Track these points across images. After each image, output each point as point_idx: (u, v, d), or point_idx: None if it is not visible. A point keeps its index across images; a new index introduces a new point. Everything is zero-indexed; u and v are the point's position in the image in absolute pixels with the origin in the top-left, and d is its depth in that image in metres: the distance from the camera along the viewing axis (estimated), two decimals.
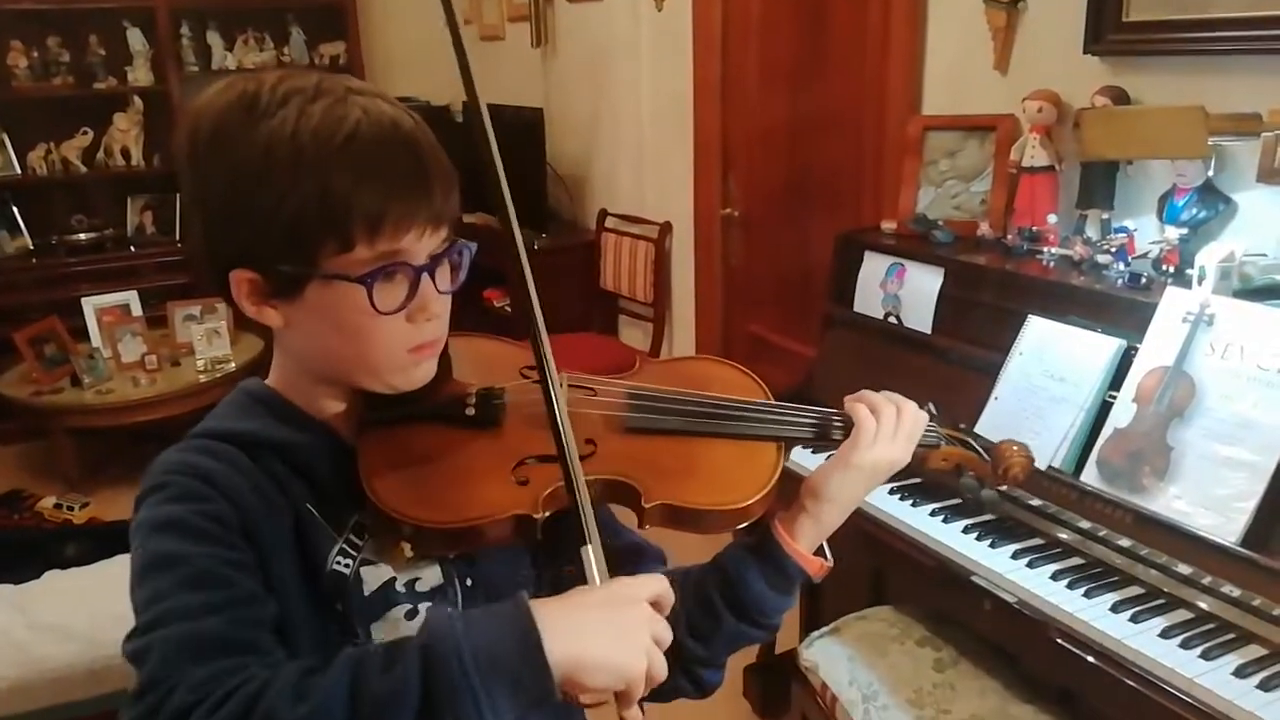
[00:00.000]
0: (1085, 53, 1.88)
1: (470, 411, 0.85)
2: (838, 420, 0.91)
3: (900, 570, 1.79)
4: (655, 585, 0.72)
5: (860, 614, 1.86)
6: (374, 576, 0.83)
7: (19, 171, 4.34)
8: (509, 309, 3.88)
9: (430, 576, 0.86)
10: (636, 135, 3.63)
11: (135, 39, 4.43)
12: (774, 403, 0.91)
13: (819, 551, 0.92)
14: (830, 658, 1.76)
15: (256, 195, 0.74)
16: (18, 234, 4.40)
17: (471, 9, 4.77)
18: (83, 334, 3.83)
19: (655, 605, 0.71)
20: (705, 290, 3.36)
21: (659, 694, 0.94)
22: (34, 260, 4.35)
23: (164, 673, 0.65)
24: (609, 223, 3.82)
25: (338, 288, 0.76)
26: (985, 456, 0.95)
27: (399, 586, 0.84)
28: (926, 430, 0.93)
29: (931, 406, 0.96)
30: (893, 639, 1.77)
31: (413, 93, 5.07)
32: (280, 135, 0.73)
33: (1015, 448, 0.95)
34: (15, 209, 4.37)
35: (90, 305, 3.92)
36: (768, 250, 3.10)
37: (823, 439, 0.92)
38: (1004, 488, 0.99)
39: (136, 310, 3.98)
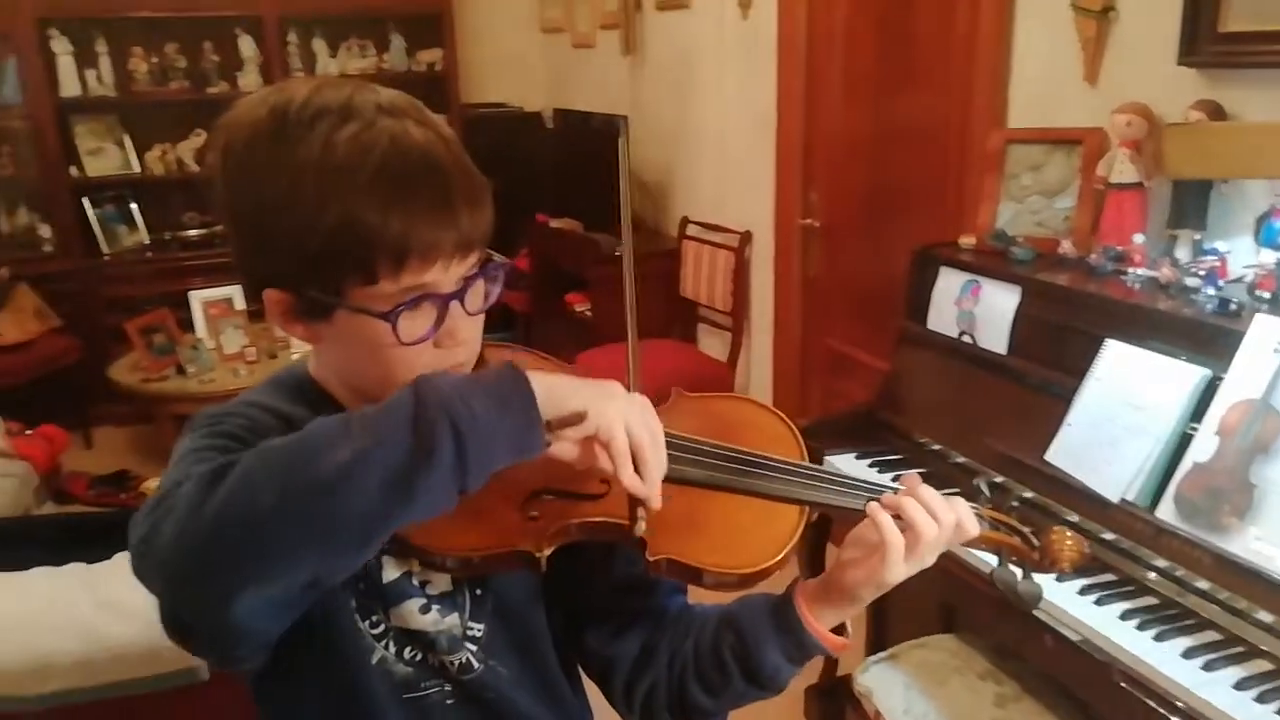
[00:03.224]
0: (1179, 64, 1.79)
1: None
2: (878, 499, 0.84)
3: (966, 600, 1.73)
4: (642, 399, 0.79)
5: (921, 641, 1.81)
6: (393, 567, 0.85)
7: (138, 170, 4.60)
8: (590, 314, 3.91)
9: (440, 582, 0.87)
10: (719, 143, 3.62)
11: (246, 46, 4.64)
12: (807, 465, 0.86)
13: (839, 627, 0.88)
14: (886, 684, 1.72)
15: (283, 223, 0.74)
16: (135, 229, 4.66)
17: (564, 17, 4.84)
18: (189, 325, 4.03)
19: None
20: (784, 301, 3.32)
21: None
22: (149, 254, 4.59)
23: (177, 474, 0.70)
24: (690, 230, 3.81)
25: (364, 319, 0.76)
26: (1034, 542, 0.87)
27: (415, 581, 0.86)
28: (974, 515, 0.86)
29: (984, 484, 0.90)
30: (954, 669, 1.71)
31: (504, 98, 5.19)
32: (307, 165, 0.73)
33: (1069, 539, 0.85)
34: (134, 205, 4.63)
35: (197, 299, 4.11)
36: (847, 262, 3.04)
37: (850, 518, 0.85)
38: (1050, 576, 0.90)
39: (240, 304, 4.16)
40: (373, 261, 0.74)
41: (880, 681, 1.73)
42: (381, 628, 0.86)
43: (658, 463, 0.75)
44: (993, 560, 0.90)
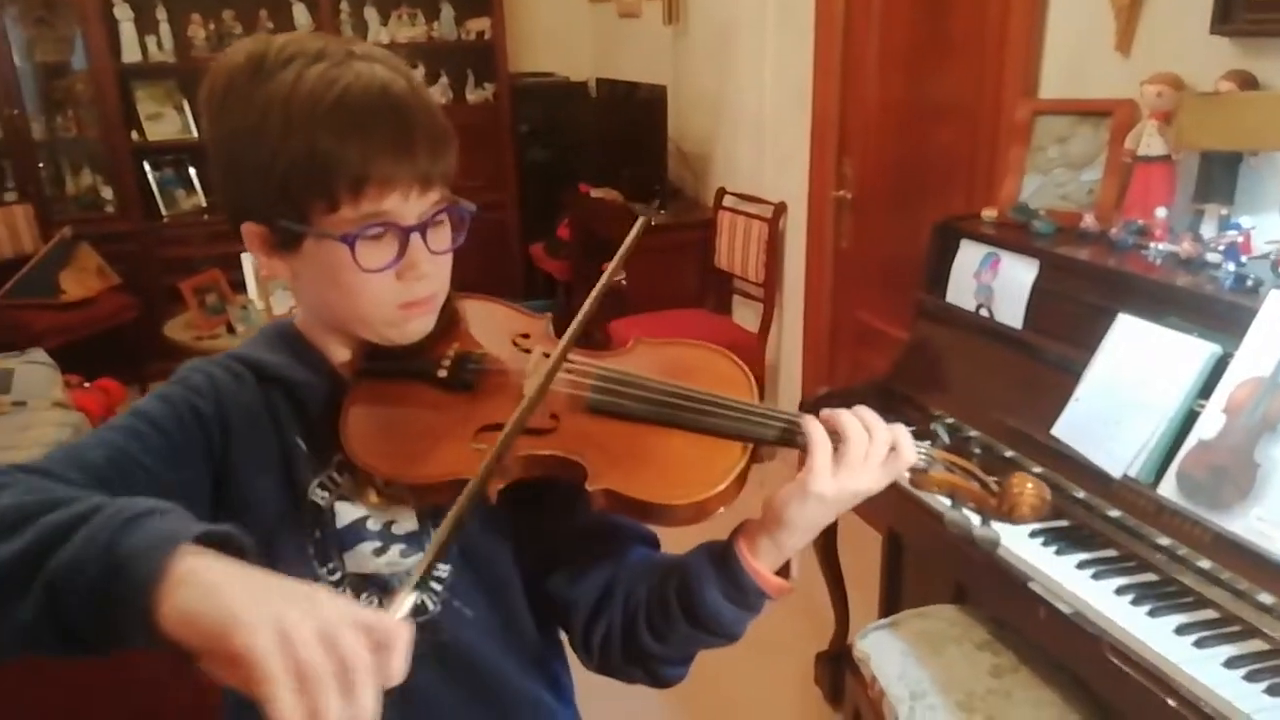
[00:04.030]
0: (1213, 33, 1.74)
1: (442, 374, 0.88)
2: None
3: (971, 574, 1.73)
4: (375, 617, 0.57)
5: (921, 610, 1.82)
6: (347, 512, 0.89)
7: (196, 135, 4.73)
8: (624, 282, 3.93)
9: (407, 522, 0.90)
10: (757, 114, 3.60)
11: (300, 14, 4.72)
12: (748, 403, 0.86)
13: (784, 569, 0.87)
14: (883, 651, 1.73)
15: (254, 153, 0.79)
16: (193, 193, 4.80)
17: None
18: (241, 286, 4.15)
19: (368, 632, 0.56)
20: (815, 273, 3.30)
21: (618, 677, 0.96)
22: (205, 217, 4.72)
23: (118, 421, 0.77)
24: (727, 201, 3.80)
25: (328, 244, 0.81)
26: (992, 488, 0.85)
27: (370, 525, 0.89)
28: (919, 452, 0.85)
29: (940, 428, 0.90)
30: (951, 639, 1.72)
31: (552, 68, 5.20)
32: (276, 97, 0.78)
33: (1029, 485, 0.83)
34: (192, 170, 4.77)
35: (249, 260, 4.22)
36: (878, 235, 3.02)
37: (792, 446, 0.85)
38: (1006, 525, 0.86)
39: None
40: (334, 186, 0.78)
41: (878, 647, 1.74)
42: (338, 575, 0.88)
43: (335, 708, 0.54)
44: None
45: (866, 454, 0.81)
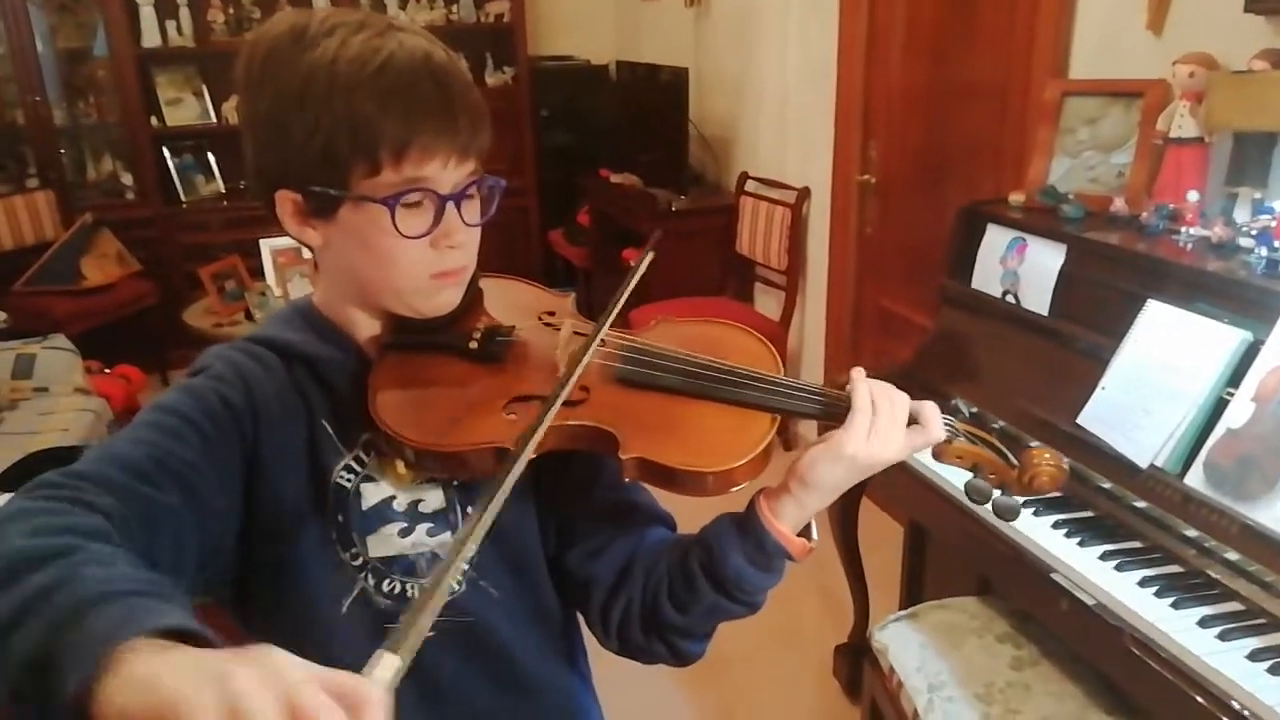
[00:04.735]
0: (1246, 11, 1.69)
1: (473, 345, 0.88)
2: (842, 404, 0.87)
3: (994, 565, 1.70)
4: (344, 679, 0.50)
5: (943, 602, 1.79)
6: (373, 493, 0.88)
7: (215, 121, 4.74)
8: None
9: (433, 500, 0.90)
10: (780, 98, 3.55)
11: None
12: (774, 376, 0.88)
13: (805, 531, 0.89)
14: (902, 642, 1.71)
15: (296, 118, 0.79)
16: (211, 179, 4.82)
17: None
18: (259, 273, 4.16)
19: (344, 706, 0.49)
20: (838, 260, 3.26)
21: (638, 655, 0.95)
22: (224, 203, 4.74)
23: (80, 461, 0.74)
24: (749, 186, 3.76)
25: (367, 209, 0.81)
26: (1012, 460, 0.88)
27: (397, 505, 0.89)
28: (944, 423, 0.87)
29: (960, 402, 0.91)
30: (972, 631, 1.69)
31: (572, 51, 5.16)
32: (320, 63, 0.78)
33: (1047, 455, 0.87)
34: (211, 155, 4.78)
35: (267, 247, 4.23)
36: (903, 221, 2.97)
37: (825, 418, 0.88)
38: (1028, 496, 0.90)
39: (307, 254, 4.27)
40: (376, 149, 0.79)
41: (897, 639, 1.72)
42: (360, 560, 0.88)
43: None
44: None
45: (893, 422, 0.84)
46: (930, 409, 0.87)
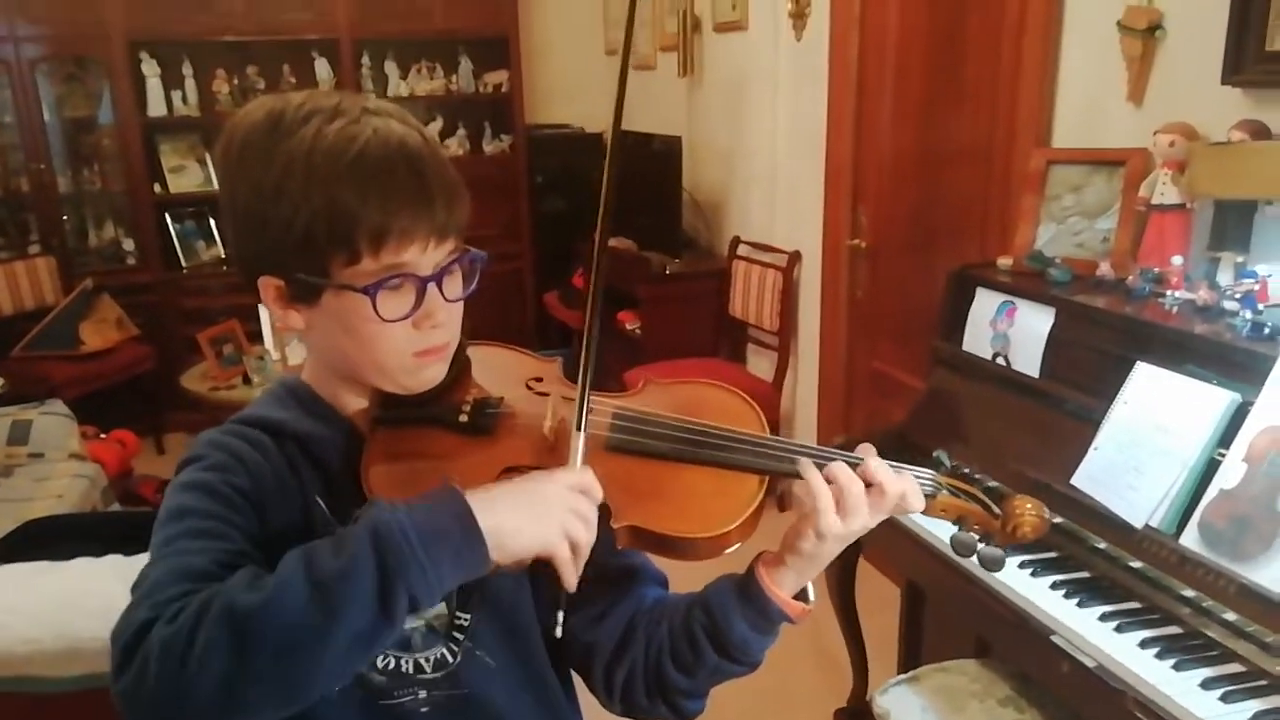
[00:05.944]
0: (1224, 84, 1.75)
1: (463, 419, 0.89)
2: (824, 461, 0.87)
3: (992, 627, 1.70)
4: (577, 476, 0.80)
5: (943, 665, 1.78)
6: None
7: (217, 188, 4.80)
8: (639, 332, 3.94)
9: None
10: (770, 164, 3.63)
11: (322, 69, 4.82)
12: (763, 436, 0.89)
13: (802, 593, 0.90)
14: (904, 706, 1.70)
15: (275, 208, 0.80)
16: (212, 244, 4.86)
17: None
18: (258, 337, 4.18)
19: (582, 491, 0.79)
20: (830, 322, 3.30)
21: (640, 717, 0.95)
22: (224, 268, 4.78)
23: (143, 594, 0.74)
24: (741, 250, 3.82)
25: (348, 297, 0.82)
26: (995, 510, 0.89)
27: None
28: (921, 480, 0.89)
29: (942, 455, 0.93)
30: (973, 695, 1.68)
31: (568, 119, 5.28)
32: (296, 154, 0.80)
33: (1029, 505, 0.88)
34: (212, 221, 4.84)
35: (265, 312, 4.26)
36: (893, 284, 3.02)
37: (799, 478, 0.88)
38: (1010, 545, 0.91)
39: None
40: (354, 240, 0.80)
41: (898, 703, 1.71)
42: None
43: (585, 542, 0.79)
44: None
45: (864, 499, 0.85)
46: (911, 481, 0.87)
